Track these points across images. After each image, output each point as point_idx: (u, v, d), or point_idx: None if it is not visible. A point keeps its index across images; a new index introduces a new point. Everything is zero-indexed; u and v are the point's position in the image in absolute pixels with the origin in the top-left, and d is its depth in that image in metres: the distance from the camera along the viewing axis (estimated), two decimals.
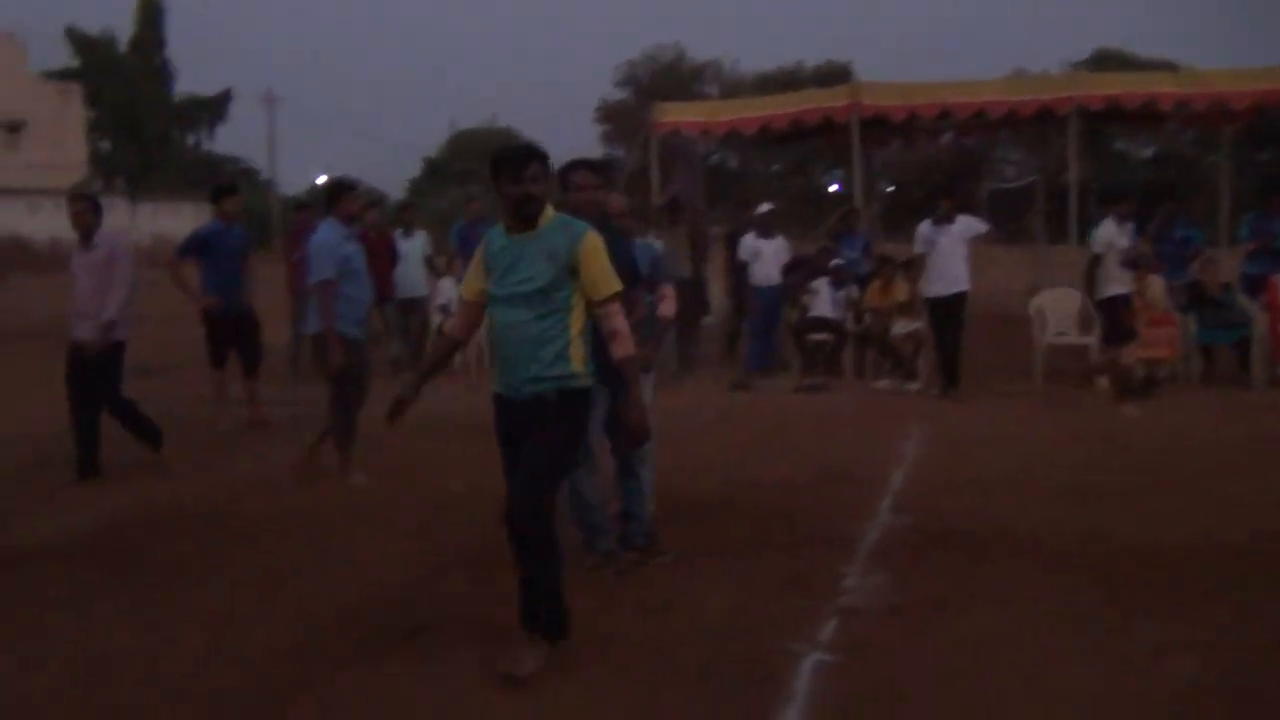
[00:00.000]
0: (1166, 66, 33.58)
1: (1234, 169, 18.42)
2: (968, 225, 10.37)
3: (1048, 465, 7.43)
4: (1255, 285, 11.16)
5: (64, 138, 44.01)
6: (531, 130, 61.75)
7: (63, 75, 47.15)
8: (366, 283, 7.16)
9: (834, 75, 40.21)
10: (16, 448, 8.37)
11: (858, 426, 9.03)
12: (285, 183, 50.52)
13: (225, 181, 10.35)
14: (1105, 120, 17.80)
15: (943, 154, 40.39)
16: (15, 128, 42.08)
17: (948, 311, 10.32)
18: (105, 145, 49.96)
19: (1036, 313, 11.37)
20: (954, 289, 10.27)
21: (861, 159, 14.59)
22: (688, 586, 5.06)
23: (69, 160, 43.75)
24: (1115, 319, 10.02)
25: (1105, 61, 39.89)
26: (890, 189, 39.25)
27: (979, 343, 11.27)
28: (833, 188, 41.66)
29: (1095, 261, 10.09)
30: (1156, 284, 10.89)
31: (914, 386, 10.88)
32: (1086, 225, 12.06)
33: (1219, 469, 7.20)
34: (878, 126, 14.96)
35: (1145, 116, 16.00)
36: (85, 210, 7.53)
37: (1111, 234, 9.93)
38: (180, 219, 41.62)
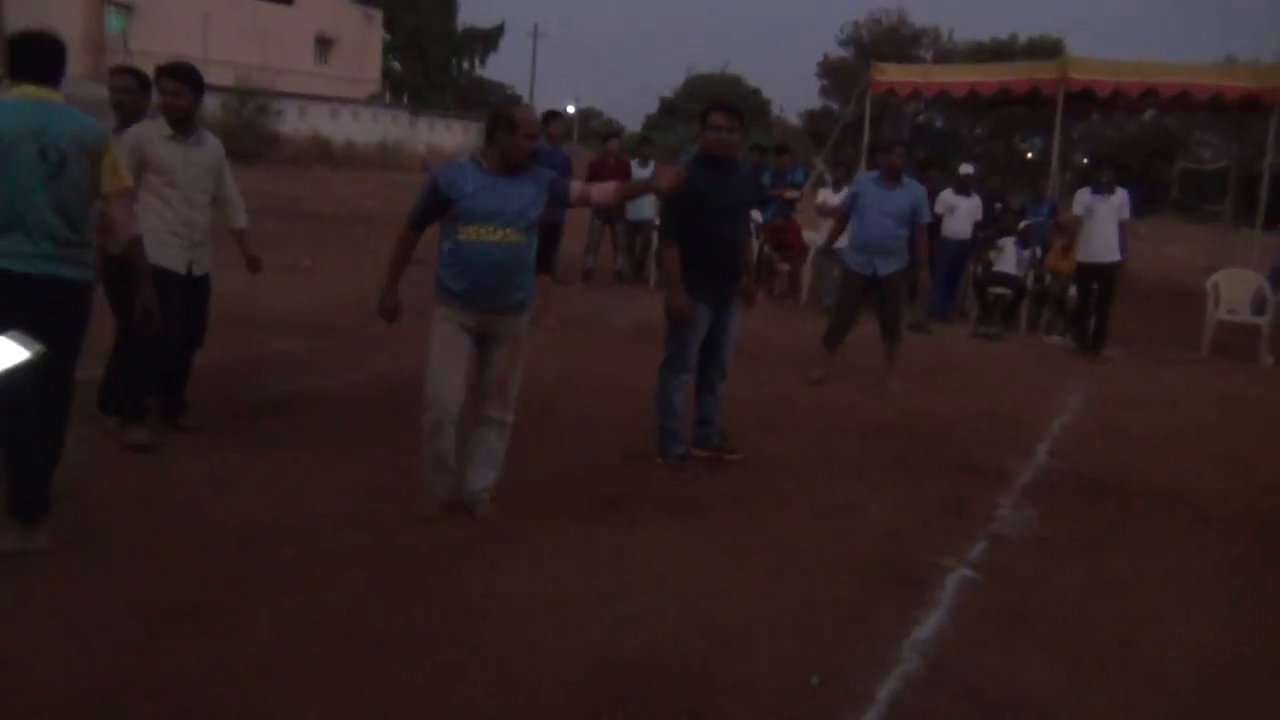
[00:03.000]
0: None
1: None
2: (1123, 201, 9.69)
3: (1205, 431, 7.06)
4: None
5: (364, 56, 45.92)
6: (758, 79, 60.84)
7: (368, 1, 49.04)
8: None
9: (1045, 49, 37.95)
10: (319, 311, 8.98)
11: (1025, 376, 8.74)
12: (542, 108, 51.35)
13: (551, 108, 10.38)
14: None
15: (1141, 131, 37.91)
16: (327, 43, 44.10)
17: (1100, 278, 9.73)
18: (396, 65, 51.82)
19: (1212, 288, 10.65)
20: (1108, 257, 9.62)
21: (1062, 129, 13.83)
22: (857, 496, 5.10)
23: (366, 75, 45.70)
24: None
25: None
26: (1085, 160, 37.06)
27: (1152, 312, 10.68)
28: (1030, 154, 39.67)
29: None
30: None
31: (1058, 340, 10.41)
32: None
33: None
34: (1081, 99, 14.14)
35: None
36: (182, 89, 4.95)
37: None
38: (451, 134, 43.10)
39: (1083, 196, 9.83)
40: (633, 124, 47.62)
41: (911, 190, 7.52)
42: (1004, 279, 11.07)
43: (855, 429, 6.38)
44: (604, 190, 4.55)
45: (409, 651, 3.21)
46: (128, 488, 4.41)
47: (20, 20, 31.59)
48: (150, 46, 29.04)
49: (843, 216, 7.96)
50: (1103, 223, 9.61)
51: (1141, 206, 15.82)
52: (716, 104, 5.31)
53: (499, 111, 4.20)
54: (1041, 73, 13.85)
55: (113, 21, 35.19)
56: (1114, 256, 9.62)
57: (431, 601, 3.52)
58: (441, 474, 4.30)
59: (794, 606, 3.77)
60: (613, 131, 22.86)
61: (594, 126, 53.02)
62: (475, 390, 4.38)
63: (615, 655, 3.29)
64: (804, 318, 10.74)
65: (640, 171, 12.11)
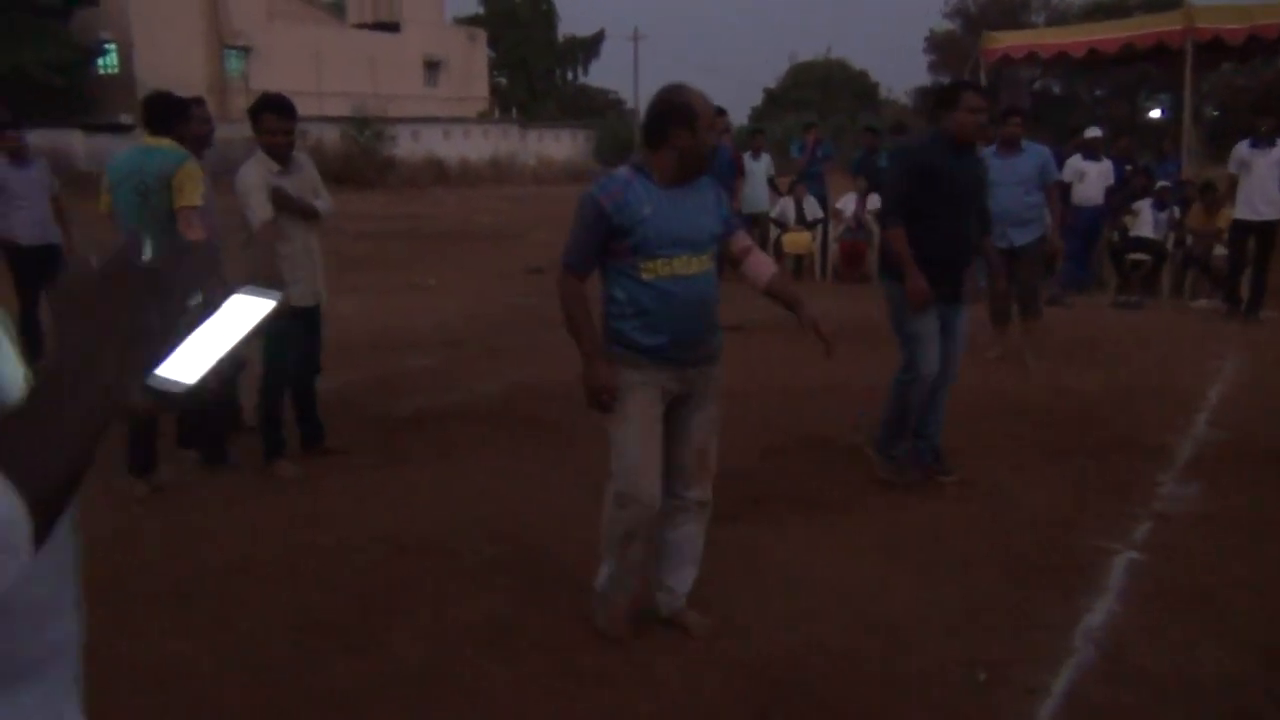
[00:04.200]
0: None
1: None
2: None
3: None
4: None
5: (471, 75, 46.83)
6: (863, 60, 59.74)
7: (470, 21, 49.95)
8: None
9: (1163, 3, 36.22)
10: (445, 327, 9.13)
11: (1174, 344, 8.28)
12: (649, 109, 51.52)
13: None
14: None
15: (1276, 77, 35.80)
16: (434, 65, 45.12)
17: (1259, 237, 9.11)
18: (502, 81, 52.70)
19: None
20: (1268, 215, 8.96)
21: (1179, 86, 13.13)
22: (1007, 481, 4.88)
23: (474, 93, 46.61)
24: None
25: None
26: (1215, 113, 35.21)
27: None
28: (1154, 113, 37.86)
29: None
30: None
31: (1206, 304, 9.84)
32: None
33: None
34: (1211, 50, 13.37)
35: None
36: (287, 124, 4.90)
37: None
38: (560, 144, 43.58)
39: (1239, 150, 9.19)
40: (739, 117, 47.31)
41: (1034, 153, 7.24)
42: (1142, 244, 10.56)
43: (999, 411, 6.12)
44: (760, 267, 3.41)
45: (556, 659, 3.18)
46: (278, 510, 4.52)
47: (149, 67, 33.15)
48: (268, 84, 30.21)
49: None
50: (1262, 177, 8.96)
51: None
52: (967, 82, 4.82)
53: (673, 102, 3.16)
54: (1166, 25, 13.16)
55: (232, 64, 36.71)
56: (1276, 214, 8.99)
57: (575, 608, 3.49)
58: (629, 579, 3.36)
59: (954, 600, 3.62)
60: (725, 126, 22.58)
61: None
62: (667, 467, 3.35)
63: (775, 656, 3.20)
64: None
65: (753, 164, 11.96)
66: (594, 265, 3.22)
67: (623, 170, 3.24)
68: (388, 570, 3.88)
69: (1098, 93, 43.08)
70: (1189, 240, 10.50)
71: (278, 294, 1.00)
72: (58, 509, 0.83)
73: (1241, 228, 9.22)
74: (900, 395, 4.78)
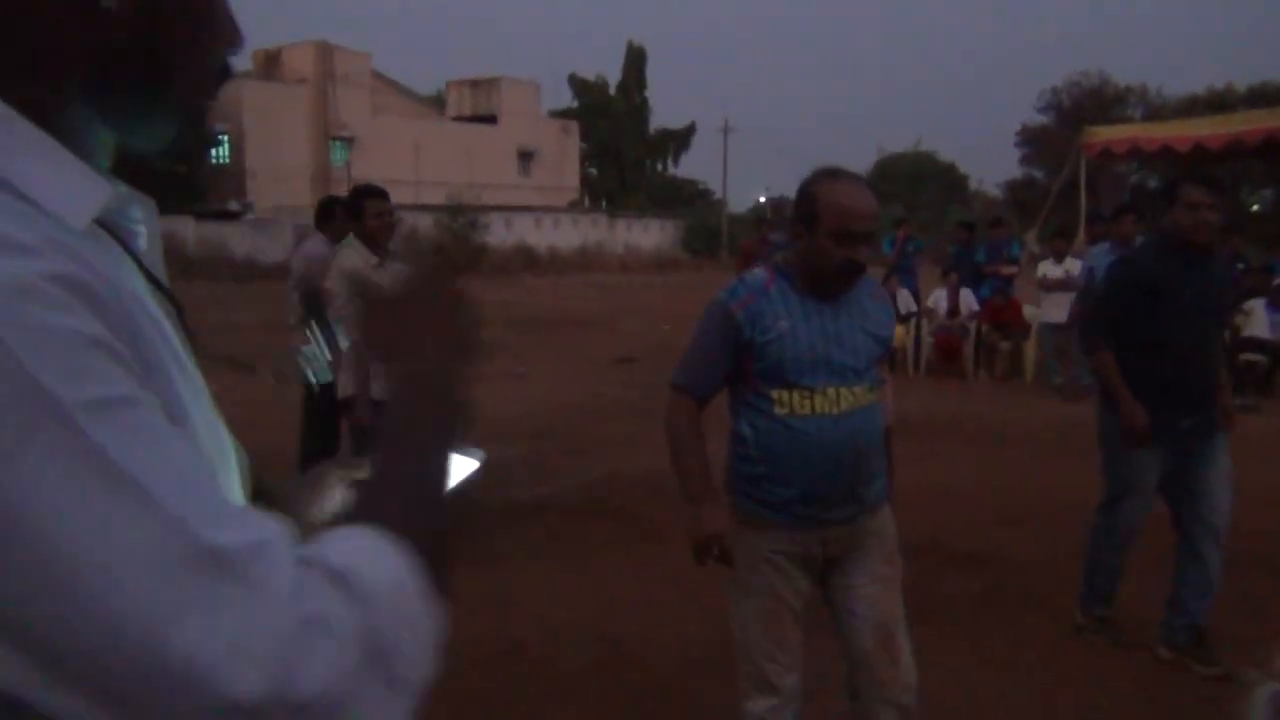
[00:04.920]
0: None
1: None
2: None
3: None
4: None
5: (563, 165, 47.94)
6: (952, 152, 59.74)
7: (564, 114, 51.27)
8: None
9: (1269, 96, 35.54)
10: (536, 416, 9.13)
11: None
12: (735, 201, 52.13)
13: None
14: None
15: None
16: (528, 156, 46.30)
17: None
18: (593, 171, 53.82)
19: None
20: None
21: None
22: (1125, 596, 4.58)
23: (566, 183, 47.64)
24: None
25: None
26: None
27: None
28: (1254, 207, 36.97)
29: None
30: None
31: None
32: None
33: None
34: None
35: None
36: (389, 209, 5.13)
37: None
38: (648, 233, 44.13)
39: None
40: None
41: None
42: (1256, 344, 10.13)
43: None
44: (888, 409, 2.78)
45: None
46: None
47: (259, 156, 34.53)
48: (369, 174, 31.25)
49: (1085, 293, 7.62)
50: None
51: None
52: (1191, 176, 4.07)
53: (803, 191, 2.56)
54: (1275, 120, 12.86)
55: (337, 154, 38.16)
56: None
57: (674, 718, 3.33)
58: None
59: None
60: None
61: (789, 214, 53.15)
62: (843, 660, 2.72)
63: None
64: (1032, 397, 10.13)
65: None
66: (715, 390, 2.65)
67: (760, 272, 2.64)
68: (481, 674, 3.77)
69: None
70: None
71: (481, 452, 0.93)
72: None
73: None
74: (1095, 542, 4.21)
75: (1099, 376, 4.09)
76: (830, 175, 2.57)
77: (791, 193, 2.73)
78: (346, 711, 0.60)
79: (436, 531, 0.76)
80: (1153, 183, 40.80)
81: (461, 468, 0.93)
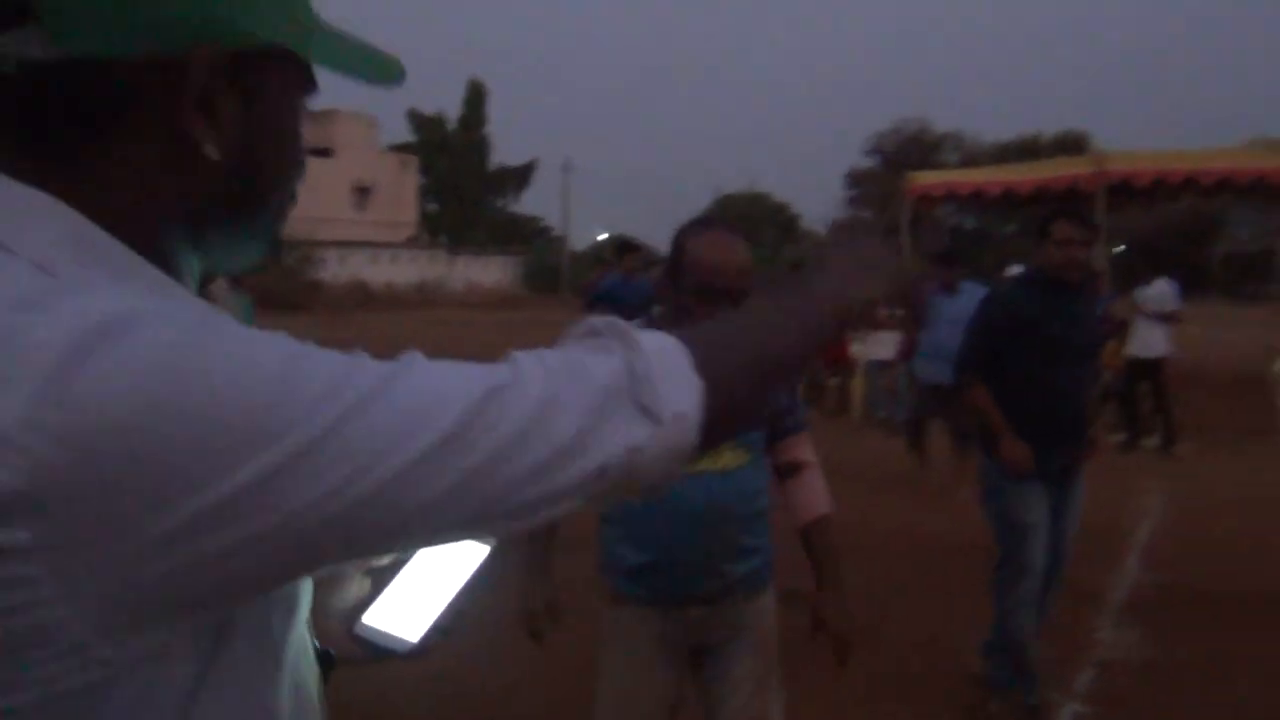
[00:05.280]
0: None
1: None
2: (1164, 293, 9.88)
3: None
4: None
5: (401, 201, 47.23)
6: (786, 193, 62.01)
7: (403, 149, 50.62)
8: None
9: (1071, 143, 38.24)
10: None
11: (1099, 480, 8.33)
12: (577, 239, 52.44)
13: (628, 240, 10.24)
14: None
15: (1173, 216, 37.68)
16: (364, 190, 45.44)
17: (1150, 372, 9.93)
18: (433, 207, 53.22)
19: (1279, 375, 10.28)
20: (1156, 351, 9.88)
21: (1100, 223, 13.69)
22: (942, 626, 4.76)
23: (403, 218, 46.93)
24: None
25: None
26: (1120, 250, 36.79)
27: (1216, 401, 10.30)
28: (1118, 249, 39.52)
29: None
30: None
31: (1151, 442, 10.03)
32: None
33: None
34: (1120, 192, 13.99)
35: None
36: None
37: None
38: (488, 270, 43.91)
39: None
40: (666, 247, 48.32)
41: (973, 293, 7.51)
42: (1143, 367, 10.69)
43: (931, 550, 6.05)
44: (809, 497, 2.55)
45: None
46: None
47: None
48: None
49: (913, 329, 8.06)
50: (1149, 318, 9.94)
51: (1185, 293, 15.48)
52: (1061, 211, 4.07)
53: (680, 237, 2.34)
54: (1079, 168, 13.77)
55: None
56: (1159, 351, 9.81)
57: None
58: None
59: None
60: (651, 260, 22.91)
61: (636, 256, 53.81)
62: None
63: None
64: (859, 433, 10.49)
65: None
66: None
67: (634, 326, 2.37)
68: None
69: (1009, 227, 44.92)
70: (1106, 375, 10.72)
71: (493, 542, 0.92)
72: (736, 414, 0.82)
73: (1135, 366, 10.08)
74: (1004, 599, 3.93)
75: (977, 415, 3.99)
76: (699, 226, 2.37)
77: (633, 230, 2.67)
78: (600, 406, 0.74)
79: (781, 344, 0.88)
80: (969, 224, 43.21)
81: (470, 554, 0.93)
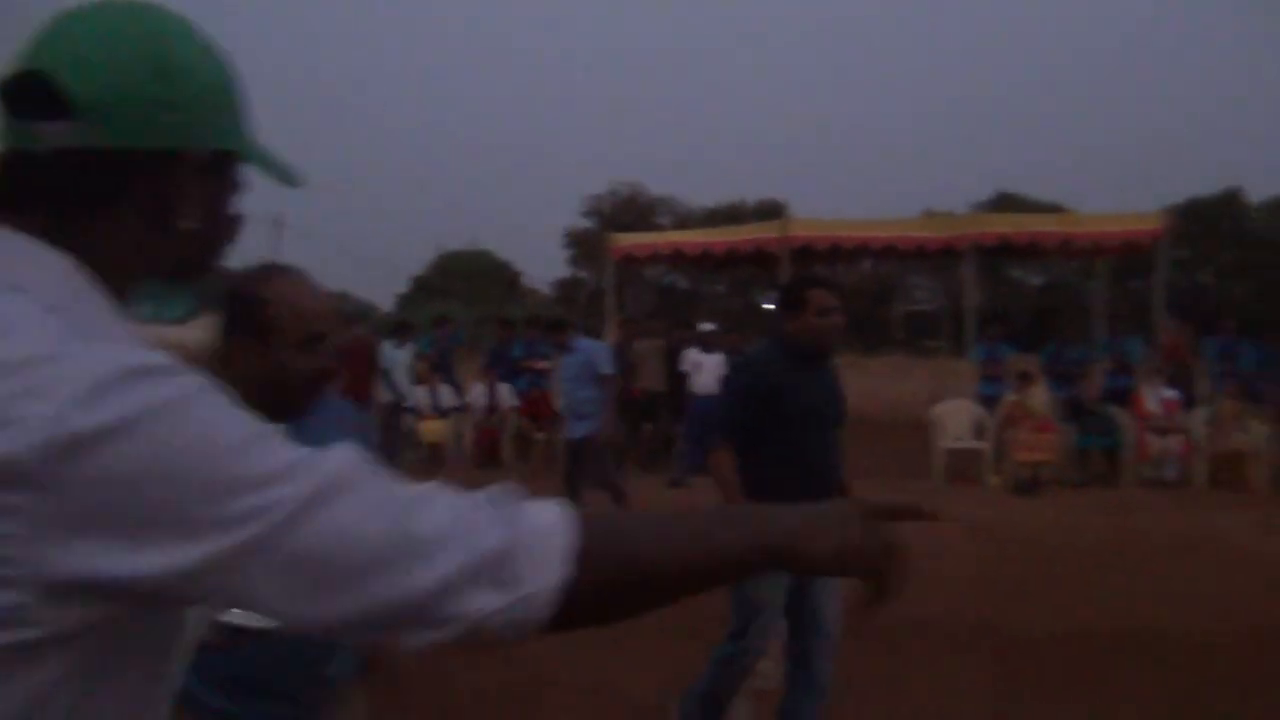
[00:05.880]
0: (1054, 209, 34.77)
1: (1109, 295, 18.85)
2: None
3: (949, 558, 7.37)
4: (1121, 396, 11.40)
5: None
6: (509, 252, 62.55)
7: None
8: None
9: (771, 210, 40.84)
10: None
11: None
12: None
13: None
14: (999, 254, 18.18)
15: (863, 279, 41.21)
16: None
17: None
18: None
19: (937, 420, 11.43)
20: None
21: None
22: (619, 671, 4.91)
23: None
24: None
25: (1004, 202, 41.13)
26: None
27: (885, 444, 11.31)
28: (768, 306, 42.18)
29: None
30: (1039, 394, 11.01)
31: None
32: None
33: (1099, 562, 7.19)
34: (804, 255, 15.15)
35: (1032, 251, 16.36)
36: None
37: None
38: (191, 328, 41.30)
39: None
40: (385, 302, 47.33)
41: (584, 350, 8.02)
42: None
43: None
44: None
45: None
46: None
47: None
48: None
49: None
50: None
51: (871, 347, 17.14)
52: (814, 279, 4.00)
53: (253, 292, 2.02)
54: (766, 232, 14.82)
55: None
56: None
57: None
58: None
59: None
60: (361, 313, 22.48)
61: (343, 309, 52.18)
62: None
63: None
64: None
65: (395, 353, 11.94)
66: None
67: None
68: None
69: (719, 288, 47.40)
70: None
71: (272, 624, 1.07)
72: (603, 604, 0.92)
73: None
74: (722, 671, 3.85)
75: (716, 473, 3.82)
76: (267, 274, 2.06)
77: (350, 286, 2.22)
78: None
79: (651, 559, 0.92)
80: (682, 284, 45.25)
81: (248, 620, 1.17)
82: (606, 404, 8.05)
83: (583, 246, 46.67)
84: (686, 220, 45.43)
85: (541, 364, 12.59)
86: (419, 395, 12.28)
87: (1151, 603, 6.06)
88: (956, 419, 11.51)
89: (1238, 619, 5.72)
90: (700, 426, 11.69)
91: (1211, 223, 42.47)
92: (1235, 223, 43.26)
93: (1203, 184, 58.66)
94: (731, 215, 42.87)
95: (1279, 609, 5.94)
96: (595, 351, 8.09)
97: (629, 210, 48.15)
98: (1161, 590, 6.36)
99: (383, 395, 11.85)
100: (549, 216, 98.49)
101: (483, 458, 12.03)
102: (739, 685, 3.85)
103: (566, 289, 46.97)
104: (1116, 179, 72.03)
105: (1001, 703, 4.55)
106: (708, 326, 12.38)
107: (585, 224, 49.31)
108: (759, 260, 16.07)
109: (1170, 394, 11.09)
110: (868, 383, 16.28)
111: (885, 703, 4.51)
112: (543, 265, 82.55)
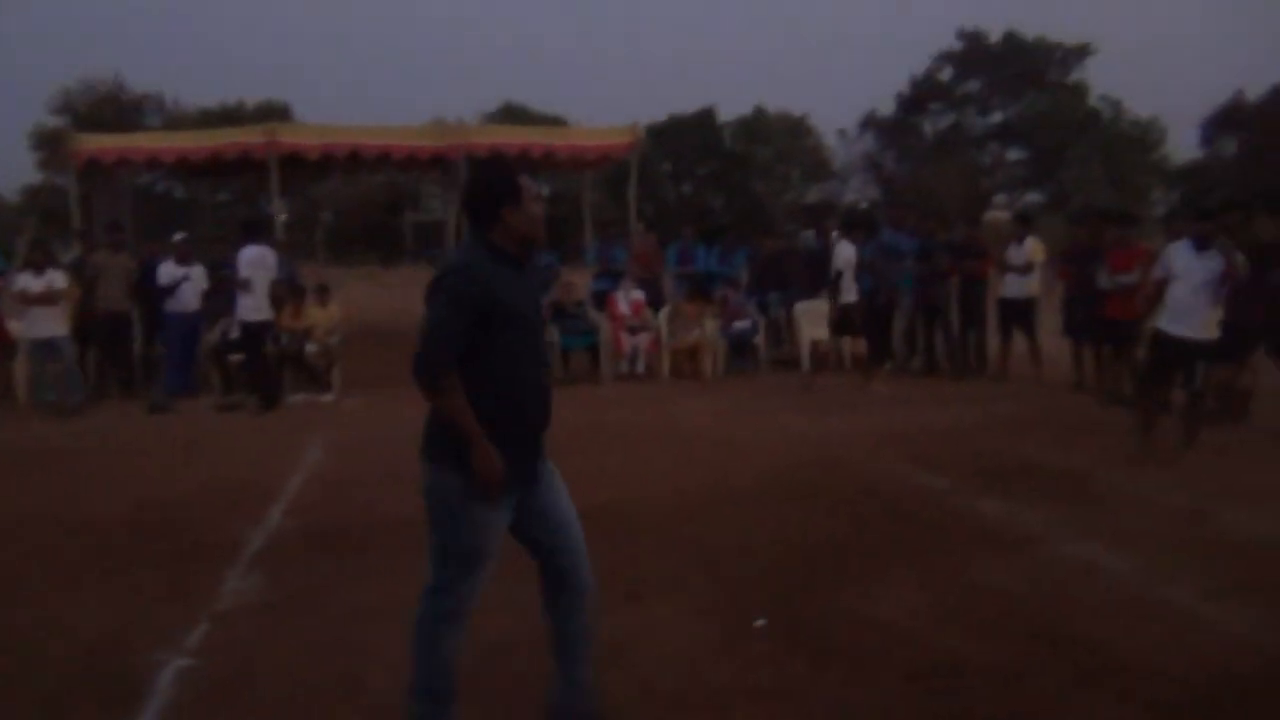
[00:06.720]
0: (556, 122, 36.58)
1: (597, 205, 20.30)
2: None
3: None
4: (601, 300, 12.47)
5: None
6: None
7: None
8: None
9: (274, 113, 38.78)
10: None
11: (270, 439, 8.74)
12: None
13: None
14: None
15: (376, 188, 40.64)
16: None
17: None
18: None
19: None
20: None
21: (299, 190, 14.19)
22: (66, 610, 4.61)
23: None
24: None
25: (509, 114, 42.39)
26: (328, 216, 38.68)
27: (385, 352, 11.38)
28: (282, 216, 40.23)
29: None
30: None
31: (328, 398, 10.81)
32: None
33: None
34: (297, 163, 14.54)
35: (524, 163, 17.00)
36: None
37: None
38: None
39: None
40: None
41: None
42: (238, 346, 10.90)
43: (70, 528, 5.84)
44: None
45: None
46: None
47: None
48: None
49: None
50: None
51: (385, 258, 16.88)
52: (514, 167, 3.38)
53: None
54: (251, 137, 14.01)
55: None
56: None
57: None
58: None
59: None
60: None
61: None
62: None
63: None
64: (26, 418, 9.66)
65: None
66: None
67: None
68: None
69: (221, 195, 44.23)
70: (284, 339, 11.13)
71: None
72: None
73: None
74: (426, 638, 3.22)
75: (440, 419, 3.15)
76: None
77: None
78: None
79: None
80: (177, 191, 41.64)
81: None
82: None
83: (54, 147, 41.23)
84: (179, 121, 41.75)
85: None
86: None
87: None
88: None
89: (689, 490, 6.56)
90: (181, 346, 11.01)
91: (690, 138, 47.10)
92: (710, 138, 48.23)
93: (686, 101, 64.52)
94: (230, 117, 39.96)
95: (703, 478, 6.90)
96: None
97: (110, 107, 43.22)
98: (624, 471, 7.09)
99: None
100: (13, 112, 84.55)
101: None
102: (453, 659, 3.26)
103: (42, 197, 41.32)
104: (618, 98, 76.86)
105: None
106: (180, 236, 11.49)
107: (55, 122, 43.49)
108: (246, 167, 15.18)
109: (638, 295, 12.27)
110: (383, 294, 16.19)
111: (353, 599, 4.63)
112: (9, 171, 71.37)
